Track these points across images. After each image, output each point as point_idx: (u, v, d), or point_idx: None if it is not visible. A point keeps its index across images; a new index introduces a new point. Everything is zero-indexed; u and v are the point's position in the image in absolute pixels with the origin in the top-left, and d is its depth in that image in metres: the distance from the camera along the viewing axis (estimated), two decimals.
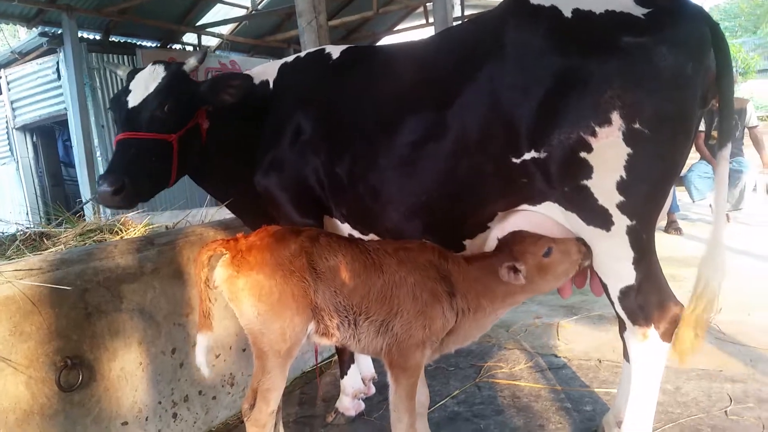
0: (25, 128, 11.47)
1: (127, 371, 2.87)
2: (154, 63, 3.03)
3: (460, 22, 9.30)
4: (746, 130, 7.81)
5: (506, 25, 2.38)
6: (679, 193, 8.07)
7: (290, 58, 3.29)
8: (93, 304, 2.74)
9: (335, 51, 3.11)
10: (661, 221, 7.66)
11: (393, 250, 2.50)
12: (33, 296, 2.51)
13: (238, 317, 2.43)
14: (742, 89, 18.72)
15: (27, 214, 7.19)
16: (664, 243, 7.02)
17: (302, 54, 3.33)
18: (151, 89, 2.89)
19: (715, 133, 7.60)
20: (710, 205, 8.52)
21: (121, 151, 2.81)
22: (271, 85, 3.18)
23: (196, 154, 3.06)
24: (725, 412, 2.97)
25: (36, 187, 11.41)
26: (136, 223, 4.08)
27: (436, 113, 2.54)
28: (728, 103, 2.37)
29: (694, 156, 8.68)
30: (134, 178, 2.76)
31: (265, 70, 3.27)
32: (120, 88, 3.16)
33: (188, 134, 2.98)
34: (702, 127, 7.35)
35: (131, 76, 3.03)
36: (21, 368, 2.45)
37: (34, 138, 11.71)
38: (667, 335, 2.38)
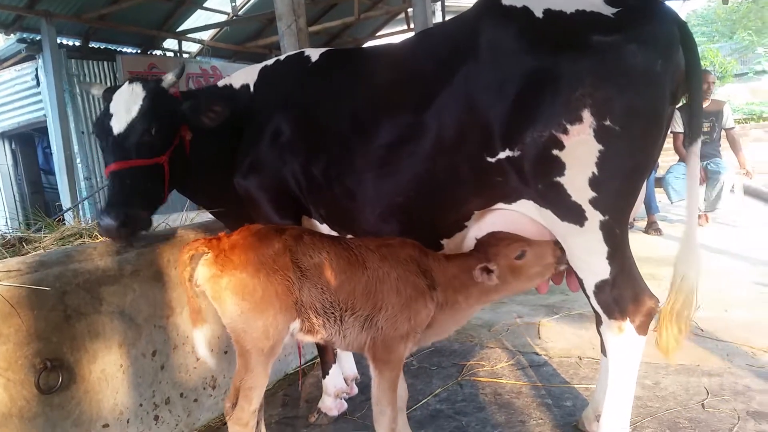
0: (3, 135, 11.35)
1: (107, 373, 2.86)
2: (131, 81, 2.93)
3: None
4: (723, 132, 7.95)
5: (479, 26, 2.42)
6: (658, 195, 8.19)
7: (270, 62, 3.31)
8: (72, 306, 2.73)
9: (314, 54, 3.14)
10: (641, 222, 7.78)
11: (375, 246, 2.53)
12: (11, 298, 2.50)
13: (220, 316, 2.43)
14: (719, 93, 19.00)
15: (6, 220, 7.11)
16: (643, 243, 7.13)
17: (282, 57, 3.35)
18: (134, 112, 2.80)
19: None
20: None
21: (117, 183, 2.74)
22: (251, 89, 3.20)
23: (181, 167, 3.01)
24: (702, 404, 3.03)
25: (15, 194, 11.28)
26: None
27: (412, 114, 2.58)
28: (697, 100, 2.44)
29: (672, 158, 8.82)
30: (135, 208, 2.74)
31: (245, 74, 3.29)
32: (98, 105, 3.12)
33: (174, 151, 2.94)
34: (680, 128, 7.46)
35: (108, 96, 2.93)
36: None
37: (13, 145, 11.58)
38: (643, 328, 2.42)
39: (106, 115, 2.85)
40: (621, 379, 2.47)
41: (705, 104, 7.81)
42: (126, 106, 2.81)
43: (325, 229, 2.98)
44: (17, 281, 2.53)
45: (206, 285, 2.39)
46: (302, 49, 3.39)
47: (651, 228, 7.70)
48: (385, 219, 2.74)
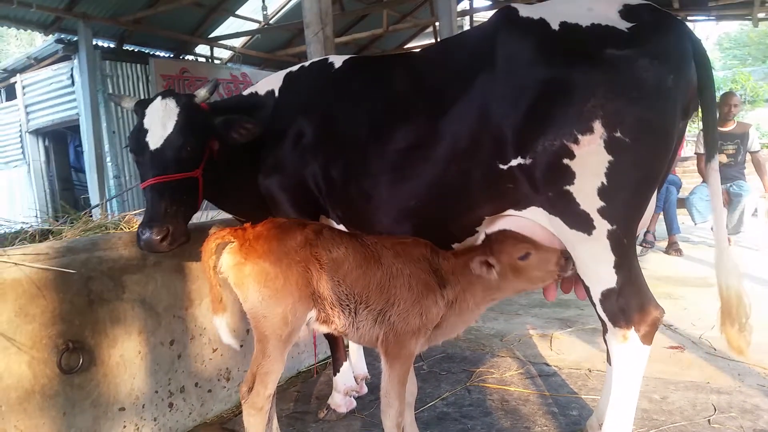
0: (37, 132, 11.71)
1: (126, 359, 2.97)
2: (163, 96, 2.97)
3: None
4: (748, 155, 7.89)
5: (497, 37, 2.50)
6: (681, 216, 8.15)
7: (295, 68, 3.41)
8: (96, 291, 2.85)
9: (338, 61, 3.24)
10: (663, 242, 7.73)
11: (390, 244, 2.62)
12: (38, 280, 2.63)
13: (242, 302, 2.52)
14: (749, 117, 18.77)
15: (36, 215, 7.35)
16: (663, 263, 7.10)
17: (306, 63, 3.46)
18: (170, 128, 2.86)
19: (721, 157, 7.69)
20: (712, 228, 8.59)
21: (156, 197, 2.81)
22: (276, 94, 3.30)
23: (212, 178, 3.08)
24: (708, 420, 3.03)
25: (46, 190, 11.61)
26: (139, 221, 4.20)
27: (428, 121, 2.65)
28: (710, 116, 2.49)
29: (696, 179, 8.77)
30: (175, 221, 2.82)
31: (270, 81, 3.38)
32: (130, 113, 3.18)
33: (206, 163, 3.02)
34: (702, 149, 7.44)
35: (140, 110, 2.97)
36: (25, 348, 2.56)
37: (46, 142, 11.94)
38: (647, 338, 2.46)
39: (141, 131, 2.90)
40: (624, 387, 2.50)
41: (731, 126, 7.78)
42: (161, 121, 2.87)
43: (341, 229, 3.06)
44: (45, 265, 2.65)
45: (230, 272, 2.49)
46: (326, 56, 3.49)
47: (672, 248, 7.66)
48: (399, 221, 2.82)
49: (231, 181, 3.25)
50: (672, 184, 7.93)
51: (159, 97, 2.98)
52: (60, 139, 12.11)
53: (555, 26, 2.38)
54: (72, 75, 10.14)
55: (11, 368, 2.51)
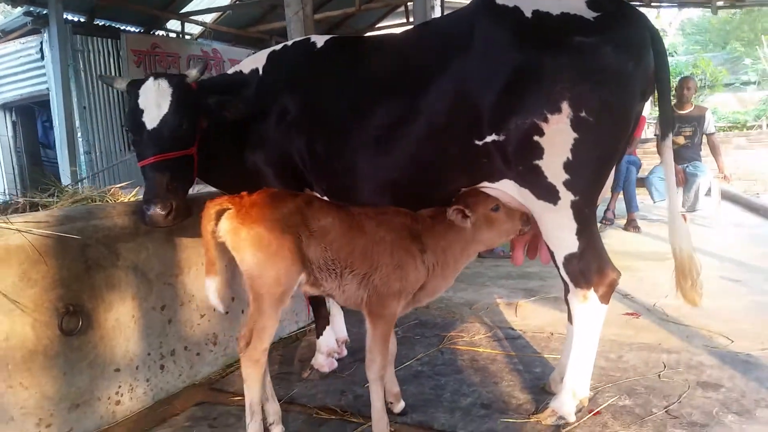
0: (5, 107, 11.51)
1: (121, 322, 3.14)
2: (156, 77, 3.05)
3: None
4: (705, 137, 8.29)
5: (474, 22, 2.71)
6: (640, 195, 8.53)
7: (278, 47, 3.54)
8: (92, 258, 3.01)
9: (320, 40, 3.39)
10: (621, 219, 8.11)
11: (373, 214, 2.84)
12: (40, 247, 2.77)
13: (239, 264, 2.70)
14: (708, 101, 19.40)
15: (15, 186, 7.34)
16: (622, 239, 7.47)
17: (289, 43, 3.60)
18: (165, 107, 2.97)
19: (679, 138, 8.08)
20: None
21: (158, 174, 2.94)
22: (260, 72, 3.43)
23: (203, 155, 3.22)
24: (658, 375, 3.34)
25: (14, 165, 11.45)
26: (125, 194, 4.33)
27: (409, 98, 2.84)
28: (665, 99, 2.76)
29: (655, 160, 9.15)
30: (177, 196, 2.97)
31: (254, 60, 3.51)
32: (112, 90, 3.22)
33: (199, 141, 3.17)
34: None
35: (133, 90, 3.05)
36: (28, 311, 2.71)
37: (14, 117, 11.74)
38: (605, 297, 2.74)
39: (138, 111, 3.00)
40: (584, 342, 2.79)
41: (688, 109, 8.15)
42: (156, 101, 2.98)
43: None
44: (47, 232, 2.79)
45: (227, 236, 2.67)
46: (308, 36, 3.64)
47: (630, 225, 8.03)
48: (381, 193, 3.02)
49: (218, 156, 3.39)
50: (632, 164, 8.29)
51: (152, 78, 3.07)
52: (28, 114, 11.92)
53: (528, 14, 2.60)
54: (41, 49, 9.99)
55: (16, 330, 2.67)
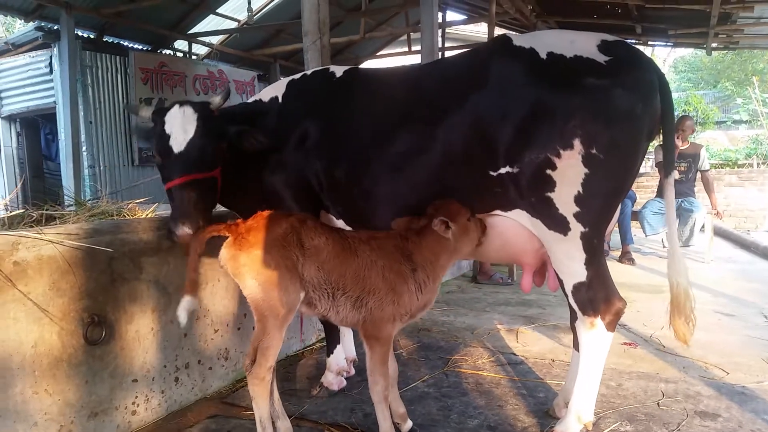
0: (10, 118, 11.61)
1: (141, 334, 3.24)
2: (181, 105, 3.17)
3: (440, 52, 9.89)
4: (699, 174, 8.51)
5: (492, 61, 2.88)
6: (633, 229, 8.72)
7: (297, 76, 3.69)
8: (118, 271, 3.12)
9: (339, 70, 3.55)
10: (616, 251, 8.27)
11: (366, 237, 2.93)
12: (69, 258, 2.88)
13: (242, 289, 2.81)
14: (700, 137, 19.79)
15: (17, 198, 7.40)
16: (617, 270, 7.62)
17: (308, 72, 3.76)
18: (191, 132, 3.09)
19: (675, 173, 8.27)
20: (662, 240, 9.22)
21: (185, 195, 3.05)
22: (280, 99, 3.57)
23: (223, 178, 3.32)
24: (657, 403, 3.46)
25: (17, 176, 11.51)
26: (142, 209, 4.43)
27: (427, 130, 2.99)
28: (669, 139, 2.93)
29: (649, 194, 9.38)
30: (203, 216, 3.08)
31: (274, 89, 3.67)
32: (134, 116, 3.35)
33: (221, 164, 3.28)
34: (661, 158, 8.01)
35: (159, 117, 3.16)
36: (56, 320, 2.81)
37: (19, 128, 11.84)
38: (611, 325, 2.87)
39: (165, 136, 3.11)
40: (590, 369, 2.90)
41: (685, 146, 8.39)
42: (182, 127, 3.10)
43: (341, 224, 3.39)
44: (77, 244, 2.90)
45: (227, 264, 2.78)
46: (327, 66, 3.81)
47: (624, 257, 8.21)
48: (396, 217, 3.16)
49: (236, 180, 3.49)
50: (627, 198, 8.49)
51: (177, 105, 3.19)
52: (32, 126, 12.02)
53: (543, 55, 2.77)
54: (51, 63, 10.14)
55: (44, 337, 2.76)
